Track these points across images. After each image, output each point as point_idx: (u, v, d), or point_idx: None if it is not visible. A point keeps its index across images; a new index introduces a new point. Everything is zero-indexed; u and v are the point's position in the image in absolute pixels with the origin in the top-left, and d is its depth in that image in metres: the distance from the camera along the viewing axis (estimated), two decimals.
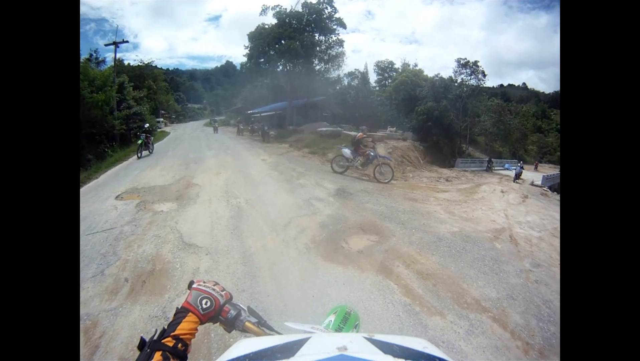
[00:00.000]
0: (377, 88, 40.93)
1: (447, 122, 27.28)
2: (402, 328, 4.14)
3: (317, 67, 32.69)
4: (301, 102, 34.69)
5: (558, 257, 7.31)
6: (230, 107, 54.81)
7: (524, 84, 73.74)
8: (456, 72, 32.11)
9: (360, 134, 14.35)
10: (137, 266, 5.17)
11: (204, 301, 1.22)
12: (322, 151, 18.24)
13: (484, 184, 16.48)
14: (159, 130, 34.62)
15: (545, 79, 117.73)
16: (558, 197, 19.02)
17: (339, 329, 1.59)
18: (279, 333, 1.27)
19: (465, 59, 31.85)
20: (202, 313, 1.20)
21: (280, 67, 32.83)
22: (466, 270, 5.82)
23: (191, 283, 1.30)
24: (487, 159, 28.14)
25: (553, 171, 32.30)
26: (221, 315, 1.28)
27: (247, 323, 1.29)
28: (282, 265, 5.34)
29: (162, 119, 44.87)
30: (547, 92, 75.49)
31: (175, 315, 1.17)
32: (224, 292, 1.31)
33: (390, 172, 13.40)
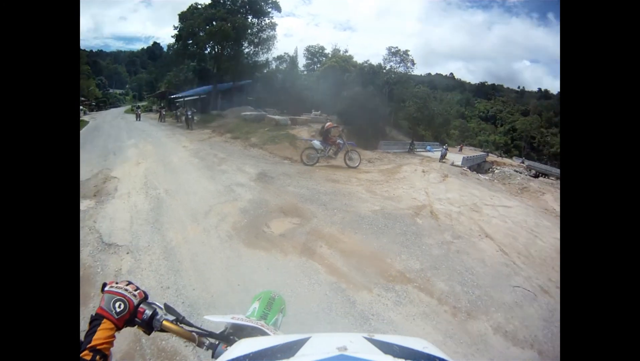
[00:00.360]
0: (305, 73, 40.71)
1: (373, 107, 27.58)
2: (330, 306, 4.16)
3: (247, 50, 31.86)
4: (227, 86, 33.72)
5: (477, 228, 7.77)
6: (154, 92, 52.13)
7: (451, 74, 77.52)
8: (386, 59, 33.04)
9: (329, 123, 14.31)
10: None
11: (117, 304, 1.14)
12: (244, 135, 17.86)
13: (406, 164, 16.88)
14: None
15: (472, 71, 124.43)
16: (477, 176, 20.13)
17: (264, 315, 1.58)
18: (199, 329, 1.26)
19: (397, 47, 32.91)
20: (116, 317, 1.12)
21: (209, 50, 31.64)
22: (389, 245, 5.96)
23: (104, 285, 1.21)
24: (409, 141, 28.97)
25: (474, 153, 34.77)
26: (137, 316, 1.18)
27: (164, 322, 1.21)
28: (205, 256, 5.15)
29: (81, 107, 41.56)
30: (473, 82, 79.46)
31: (90, 323, 1.10)
32: (137, 291, 1.21)
33: (358, 157, 14.04)
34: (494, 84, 77.45)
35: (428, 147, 31.07)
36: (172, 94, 41.54)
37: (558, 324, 4.69)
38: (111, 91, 69.71)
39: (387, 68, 32.32)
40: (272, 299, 1.68)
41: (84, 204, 7.42)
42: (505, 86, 76.32)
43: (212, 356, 1.23)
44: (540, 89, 73.86)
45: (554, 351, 4.19)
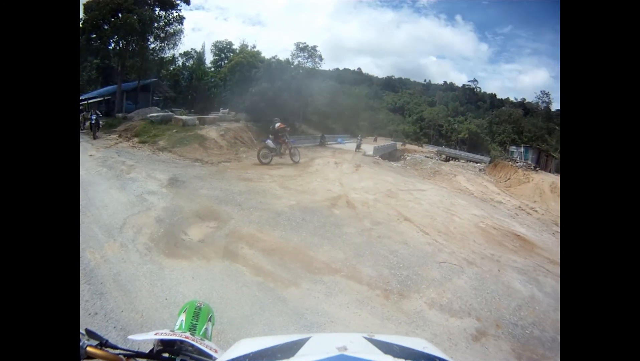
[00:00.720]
0: (213, 69, 39.51)
1: (281, 103, 27.53)
2: (262, 307, 4.11)
3: (152, 45, 29.37)
4: (132, 86, 30.84)
5: (395, 213, 8.11)
6: None
7: (359, 68, 78.94)
8: (294, 55, 33.00)
9: (279, 124, 14.99)
10: None
11: None
12: (152, 139, 16.90)
13: (318, 157, 17.18)
14: None
15: (380, 66, 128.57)
16: (389, 164, 20.94)
17: (192, 326, 1.53)
18: (124, 350, 1.19)
19: (305, 43, 33.08)
20: None
21: (112, 45, 28.73)
22: (309, 238, 6.03)
23: None
24: (320, 135, 29.40)
25: (384, 142, 36.01)
26: None
27: (89, 348, 1.13)
28: (127, 273, 4.81)
29: None
30: (380, 77, 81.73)
31: None
32: None
33: (298, 153, 15.58)
34: (401, 78, 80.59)
35: (339, 140, 31.84)
36: None
37: (490, 290, 5.07)
38: None
39: (294, 64, 32.27)
40: (199, 309, 1.63)
41: None
42: (412, 80, 79.46)
43: None
44: (445, 82, 77.32)
45: (491, 315, 4.48)
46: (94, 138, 18.01)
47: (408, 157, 30.85)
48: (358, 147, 26.16)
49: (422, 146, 45.64)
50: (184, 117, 20.26)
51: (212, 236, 5.94)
